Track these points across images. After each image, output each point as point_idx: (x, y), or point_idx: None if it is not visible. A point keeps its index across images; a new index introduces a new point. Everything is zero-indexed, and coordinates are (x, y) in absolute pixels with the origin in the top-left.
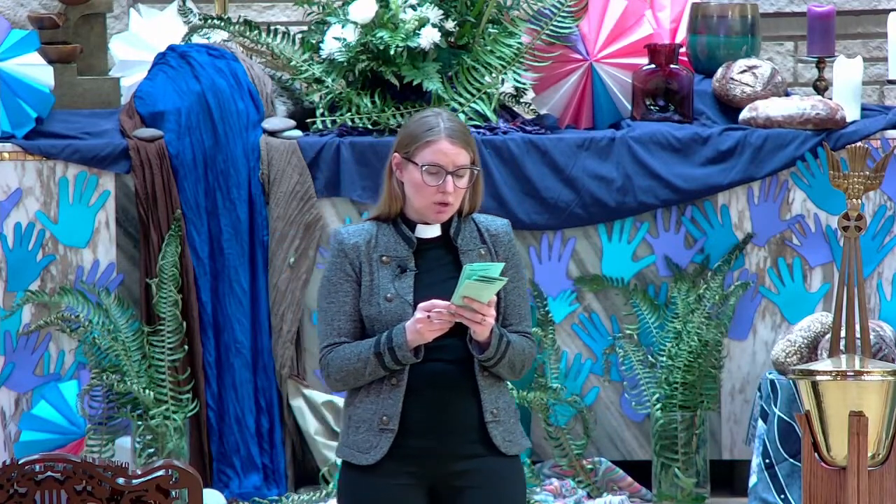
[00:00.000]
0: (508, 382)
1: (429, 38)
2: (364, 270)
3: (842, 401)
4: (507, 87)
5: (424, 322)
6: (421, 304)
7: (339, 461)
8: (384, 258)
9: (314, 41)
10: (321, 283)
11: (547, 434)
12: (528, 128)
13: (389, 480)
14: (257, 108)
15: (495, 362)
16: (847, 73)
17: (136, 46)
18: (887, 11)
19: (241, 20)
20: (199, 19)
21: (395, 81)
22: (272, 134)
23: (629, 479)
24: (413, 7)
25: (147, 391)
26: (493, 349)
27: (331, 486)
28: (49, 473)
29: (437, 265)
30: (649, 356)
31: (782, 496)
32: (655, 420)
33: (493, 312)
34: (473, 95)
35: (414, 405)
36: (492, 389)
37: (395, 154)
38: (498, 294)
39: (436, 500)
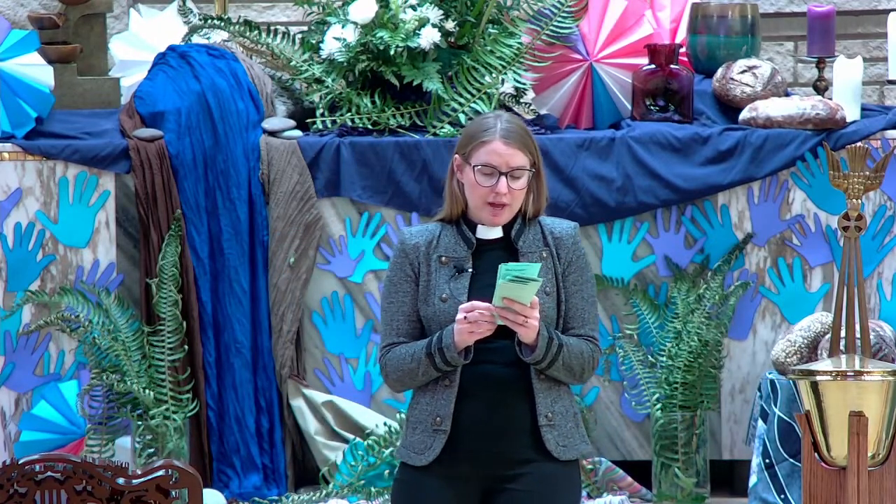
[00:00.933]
0: (571, 386)
1: (429, 38)
2: (422, 271)
3: (842, 401)
4: (507, 87)
5: (464, 324)
6: (461, 306)
7: (339, 461)
8: (443, 258)
9: (314, 41)
10: (384, 284)
11: None
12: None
13: (442, 482)
14: (257, 108)
15: (547, 365)
16: (847, 73)
17: (136, 46)
18: (887, 11)
19: (241, 20)
20: (199, 19)
21: (395, 81)
22: (272, 134)
23: (629, 479)
24: (413, 7)
25: (147, 391)
26: (541, 352)
27: (331, 486)
28: (49, 473)
29: (495, 266)
30: (649, 356)
31: (782, 496)
32: (655, 420)
33: (537, 314)
34: (473, 95)
35: (467, 407)
36: (548, 393)
37: (456, 156)
38: (559, 297)
39: (487, 501)
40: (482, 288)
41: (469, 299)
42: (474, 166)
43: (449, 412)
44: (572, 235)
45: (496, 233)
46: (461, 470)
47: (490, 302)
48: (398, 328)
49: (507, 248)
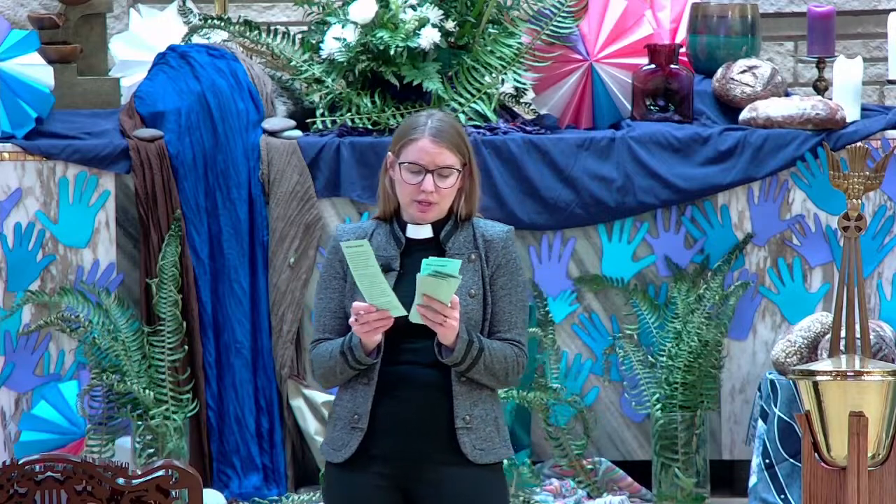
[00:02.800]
0: (496, 390)
1: (429, 38)
2: None
3: (842, 401)
4: (507, 88)
5: (355, 324)
6: (354, 306)
7: None
8: None
9: (314, 41)
10: (317, 281)
11: (547, 434)
12: (528, 128)
13: (359, 479)
14: (257, 108)
15: (466, 368)
16: (847, 73)
17: (136, 46)
18: (887, 11)
19: (241, 20)
20: (199, 19)
21: (395, 81)
22: (272, 134)
23: (629, 479)
24: (413, 7)
25: (147, 391)
26: (460, 354)
27: None
28: (49, 473)
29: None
30: (649, 356)
31: (782, 496)
32: (655, 420)
33: (456, 314)
34: (473, 95)
35: (385, 406)
36: (468, 396)
37: (389, 153)
38: (485, 300)
39: (410, 502)
40: (407, 286)
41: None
42: (401, 163)
43: (366, 410)
44: (503, 239)
45: (426, 232)
46: (376, 468)
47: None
48: (325, 325)
49: (437, 249)
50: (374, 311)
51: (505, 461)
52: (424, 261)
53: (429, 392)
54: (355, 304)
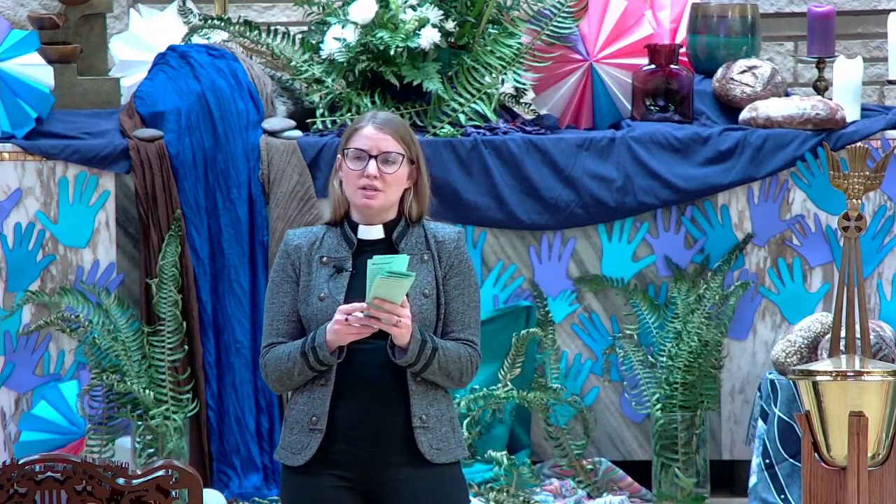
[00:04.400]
0: (450, 390)
1: (429, 38)
2: (303, 271)
3: (842, 401)
4: (507, 88)
5: (342, 324)
6: (341, 307)
7: None
8: (324, 259)
9: (314, 41)
10: (267, 285)
11: (547, 434)
12: (528, 128)
13: (320, 482)
14: (257, 108)
15: (421, 368)
16: (847, 73)
17: (136, 46)
18: (887, 11)
19: (241, 20)
20: (199, 19)
21: (395, 81)
22: (272, 134)
23: (629, 479)
24: (413, 7)
25: (147, 391)
26: (413, 354)
27: None
28: (49, 473)
29: None
30: (649, 356)
31: (782, 496)
32: (655, 420)
33: (408, 314)
34: (473, 95)
35: (342, 407)
36: (424, 396)
37: (338, 156)
38: (438, 300)
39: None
40: (360, 287)
41: (347, 299)
42: (345, 150)
43: (324, 411)
44: (455, 240)
45: (377, 233)
46: (337, 470)
47: (360, 303)
48: (278, 328)
49: (389, 250)
50: (363, 317)
51: (462, 461)
52: (370, 261)
53: (385, 392)
54: (353, 304)
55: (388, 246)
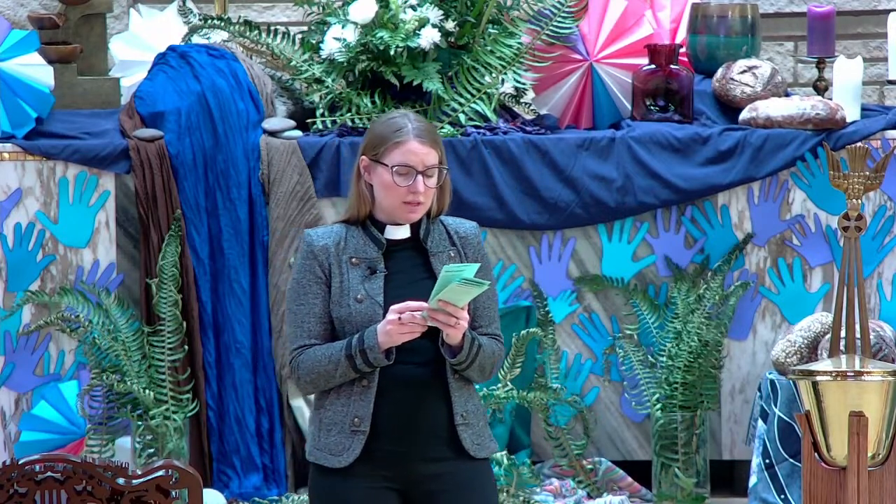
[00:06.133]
0: (477, 385)
1: (429, 38)
2: (334, 272)
3: (842, 401)
4: (507, 88)
5: (395, 324)
6: (393, 307)
7: None
8: (353, 260)
9: (314, 41)
10: (290, 287)
11: (547, 434)
12: (528, 128)
13: (362, 483)
14: (257, 108)
15: (466, 366)
16: (847, 73)
17: (136, 46)
18: (887, 11)
19: (241, 20)
20: (199, 19)
21: (395, 81)
22: (272, 134)
23: (629, 479)
24: (413, 7)
25: (147, 391)
26: (466, 353)
27: None
28: (49, 473)
29: (407, 266)
30: (649, 356)
31: (782, 496)
32: (655, 420)
33: (467, 316)
34: (473, 95)
35: (384, 407)
36: (462, 392)
37: (363, 157)
38: None
39: (407, 503)
40: (397, 288)
41: (386, 300)
42: (391, 167)
43: (368, 413)
44: (476, 234)
45: (405, 233)
46: (380, 470)
47: (417, 301)
48: (310, 330)
49: (416, 248)
50: (419, 317)
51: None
52: (445, 267)
53: (427, 391)
54: (408, 303)
55: (415, 245)
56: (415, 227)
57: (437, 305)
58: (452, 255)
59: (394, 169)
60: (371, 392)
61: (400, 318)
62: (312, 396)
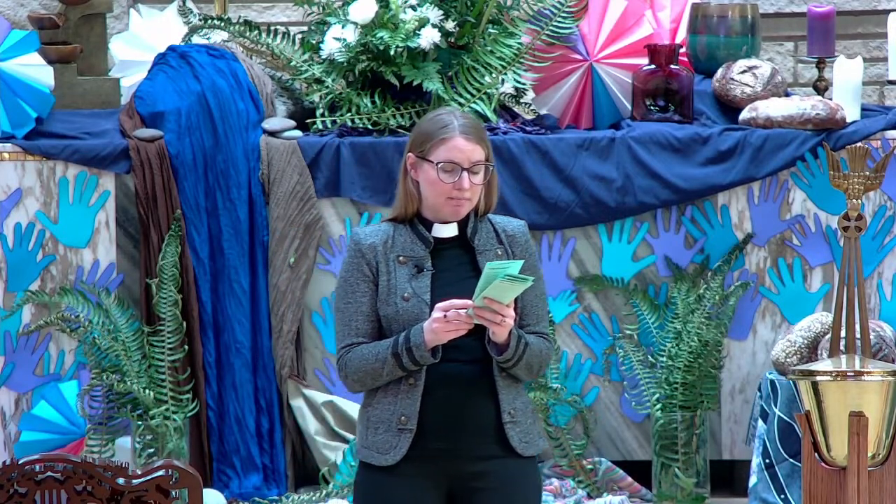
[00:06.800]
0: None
1: (429, 38)
2: (381, 270)
3: (842, 401)
4: (507, 88)
5: (441, 322)
6: (439, 304)
7: (339, 461)
8: (401, 258)
9: (314, 41)
10: (338, 285)
11: (547, 434)
12: (528, 128)
13: (408, 481)
14: (257, 108)
15: (513, 364)
16: (847, 74)
17: (136, 46)
18: (887, 12)
19: (241, 20)
20: (199, 19)
21: (395, 81)
22: (272, 134)
23: (629, 479)
24: (413, 7)
25: (147, 391)
26: (512, 351)
27: (331, 486)
28: (49, 473)
29: (454, 265)
30: (649, 356)
31: (782, 496)
32: (655, 420)
33: (513, 314)
34: (473, 95)
35: (431, 405)
36: (509, 390)
37: (410, 154)
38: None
39: (452, 500)
40: (444, 286)
41: (432, 298)
42: (437, 163)
43: (415, 411)
44: (524, 233)
45: (452, 231)
46: (427, 468)
47: (463, 299)
48: (357, 328)
49: (464, 247)
50: (465, 314)
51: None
52: (489, 265)
53: (474, 389)
54: (452, 301)
55: (462, 243)
56: (462, 225)
57: (482, 303)
58: (499, 253)
59: (439, 165)
60: (418, 390)
61: (445, 316)
62: (314, 397)
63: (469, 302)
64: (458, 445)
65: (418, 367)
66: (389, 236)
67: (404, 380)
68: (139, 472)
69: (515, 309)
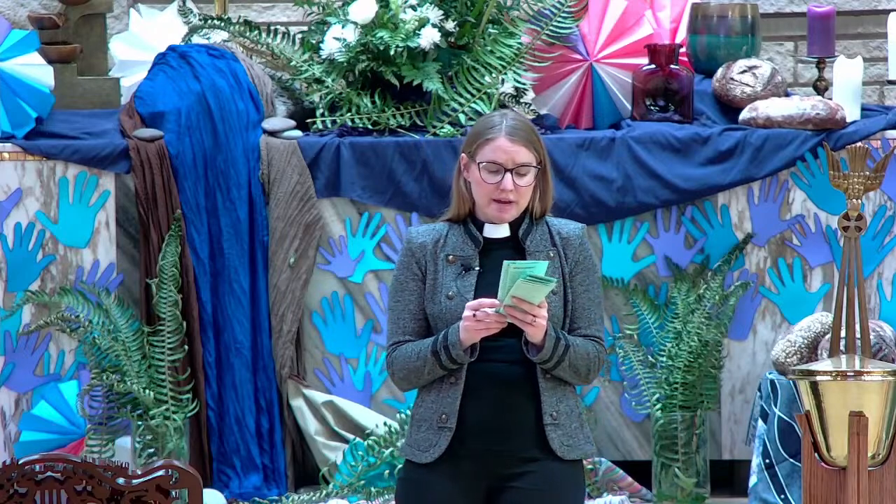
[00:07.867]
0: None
1: (429, 38)
2: (429, 269)
3: (842, 401)
4: (507, 88)
5: (472, 321)
6: (469, 303)
7: (339, 461)
8: (450, 257)
9: (314, 41)
10: (390, 284)
11: None
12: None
13: (447, 479)
14: (257, 108)
15: (553, 365)
16: (847, 73)
17: (136, 46)
18: (887, 11)
19: (241, 20)
20: (199, 19)
21: (395, 81)
22: (272, 134)
23: (629, 479)
24: (413, 7)
25: (147, 391)
26: (548, 352)
27: (331, 486)
28: (49, 473)
29: (501, 265)
30: (649, 356)
31: (782, 496)
32: (655, 420)
33: (545, 314)
34: (473, 95)
35: (472, 404)
36: (553, 392)
37: (463, 154)
38: (565, 297)
39: (490, 500)
40: (488, 286)
41: (475, 297)
42: (479, 163)
43: (454, 410)
44: (580, 236)
45: (503, 231)
46: (466, 467)
47: (485, 298)
48: (405, 326)
49: (515, 248)
50: (494, 313)
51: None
52: (509, 263)
53: (515, 389)
54: (481, 300)
55: (514, 244)
56: (514, 225)
57: (511, 302)
58: (551, 255)
59: (482, 165)
60: (458, 389)
61: (475, 315)
62: (314, 397)
63: (496, 301)
64: (497, 446)
65: (457, 366)
66: (442, 235)
67: (446, 378)
68: (139, 472)
69: (566, 311)
